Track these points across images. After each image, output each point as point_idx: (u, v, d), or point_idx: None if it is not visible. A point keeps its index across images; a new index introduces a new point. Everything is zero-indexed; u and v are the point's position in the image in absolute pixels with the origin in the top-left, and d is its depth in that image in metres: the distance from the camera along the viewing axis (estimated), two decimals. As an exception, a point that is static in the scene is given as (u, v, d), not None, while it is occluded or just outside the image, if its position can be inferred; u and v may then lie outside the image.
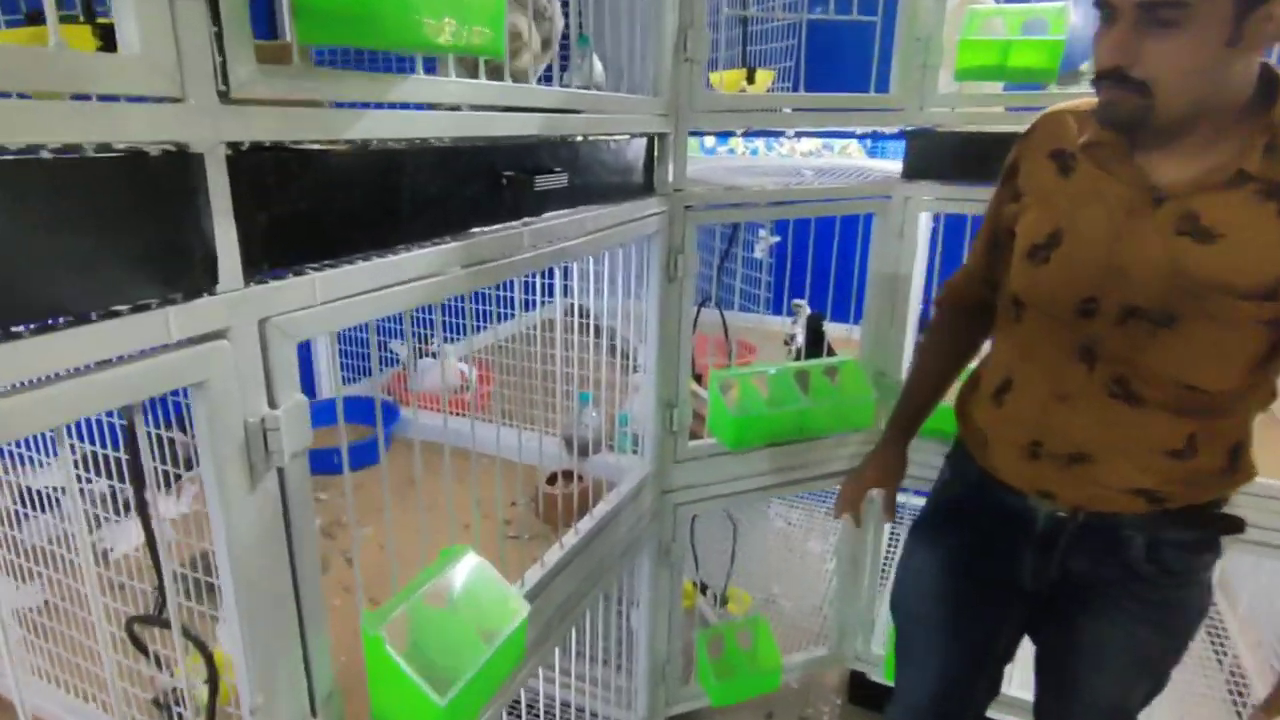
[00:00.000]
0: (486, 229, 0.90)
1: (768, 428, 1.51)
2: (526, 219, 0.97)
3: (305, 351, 1.94)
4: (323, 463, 1.75)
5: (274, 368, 0.65)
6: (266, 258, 0.63)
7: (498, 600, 0.93)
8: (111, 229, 0.51)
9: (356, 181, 0.72)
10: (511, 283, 0.99)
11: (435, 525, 1.58)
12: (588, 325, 1.59)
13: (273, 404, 0.65)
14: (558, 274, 1.50)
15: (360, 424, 1.94)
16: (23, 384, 0.47)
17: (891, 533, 2.38)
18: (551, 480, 1.46)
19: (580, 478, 1.39)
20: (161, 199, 0.54)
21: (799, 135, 2.12)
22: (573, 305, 1.60)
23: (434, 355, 1.96)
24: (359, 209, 0.73)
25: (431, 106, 0.79)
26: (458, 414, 1.80)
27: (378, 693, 0.81)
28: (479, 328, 2.21)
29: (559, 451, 1.61)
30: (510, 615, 0.92)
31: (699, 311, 1.82)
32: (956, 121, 1.51)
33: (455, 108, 0.81)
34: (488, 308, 2.11)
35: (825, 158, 2.33)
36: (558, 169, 1.02)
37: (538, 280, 2.01)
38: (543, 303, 2.20)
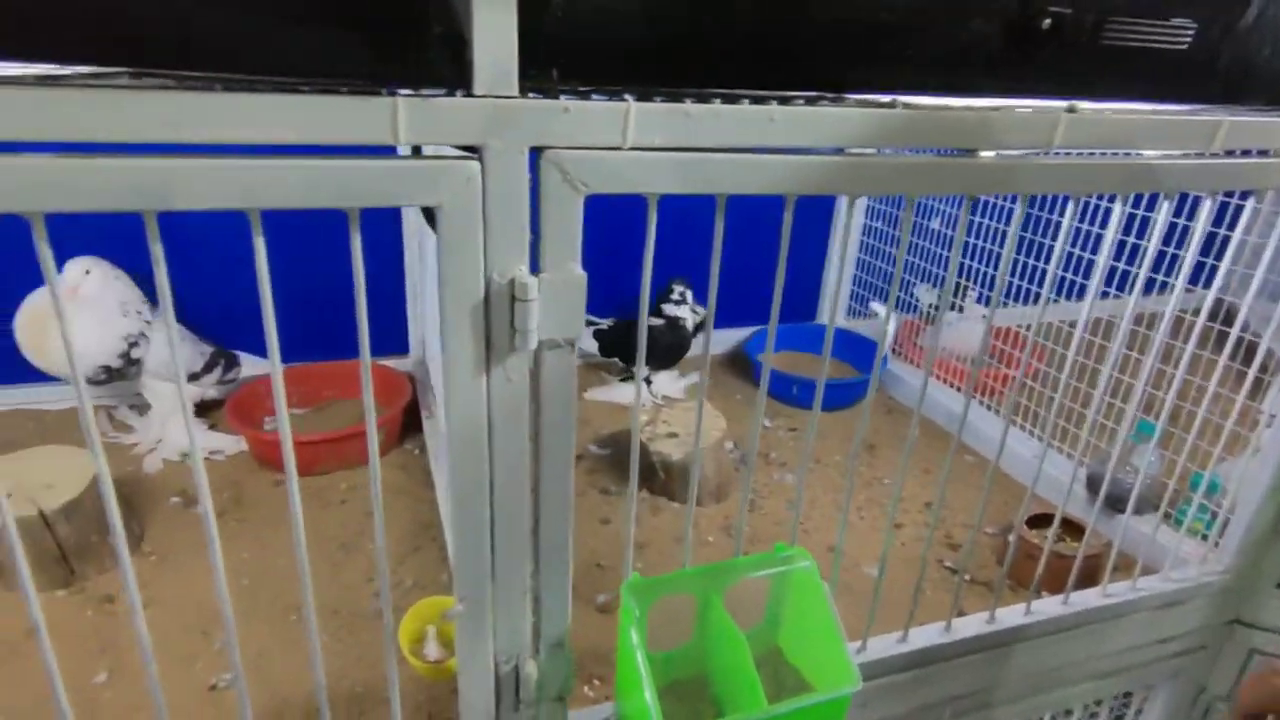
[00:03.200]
0: (981, 98, 0.55)
1: None
2: (1071, 97, 0.57)
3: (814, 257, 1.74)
4: (784, 390, 1.66)
5: (547, 219, 0.48)
6: (558, 65, 0.44)
7: (822, 646, 0.64)
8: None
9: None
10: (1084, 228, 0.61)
11: (866, 502, 1.30)
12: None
13: (536, 269, 0.49)
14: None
15: (845, 361, 1.74)
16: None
17: None
18: (1035, 523, 1.01)
19: (1091, 539, 0.92)
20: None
21: None
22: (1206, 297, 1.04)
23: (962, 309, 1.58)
24: (736, 20, 0.48)
25: None
26: (957, 388, 1.42)
27: (620, 675, 0.63)
28: (1027, 290, 1.69)
29: (1079, 489, 1.12)
30: (830, 679, 0.62)
31: None
32: None
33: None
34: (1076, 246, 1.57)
35: None
36: (1172, 18, 0.57)
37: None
38: (1158, 282, 1.55)
